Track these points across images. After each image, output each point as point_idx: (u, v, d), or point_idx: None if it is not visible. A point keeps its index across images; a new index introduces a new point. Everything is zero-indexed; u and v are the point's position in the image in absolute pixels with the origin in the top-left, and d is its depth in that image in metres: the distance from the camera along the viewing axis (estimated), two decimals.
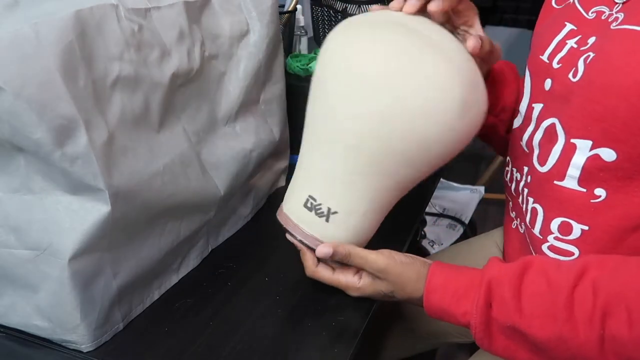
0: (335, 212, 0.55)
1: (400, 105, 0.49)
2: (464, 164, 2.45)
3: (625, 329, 0.44)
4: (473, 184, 1.82)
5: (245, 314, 0.57)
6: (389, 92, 0.49)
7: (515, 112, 0.69)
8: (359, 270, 0.57)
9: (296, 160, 0.60)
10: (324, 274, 0.57)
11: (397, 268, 0.54)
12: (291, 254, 0.67)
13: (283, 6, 0.87)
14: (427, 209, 1.54)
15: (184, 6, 0.56)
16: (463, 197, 1.67)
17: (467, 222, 1.55)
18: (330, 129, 0.53)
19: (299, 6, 0.89)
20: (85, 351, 0.51)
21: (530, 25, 2.84)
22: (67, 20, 0.44)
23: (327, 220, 0.55)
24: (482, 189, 1.71)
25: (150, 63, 0.52)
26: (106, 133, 0.47)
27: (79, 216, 0.47)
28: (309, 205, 0.56)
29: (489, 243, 0.84)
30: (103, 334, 0.52)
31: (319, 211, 0.55)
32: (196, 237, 0.64)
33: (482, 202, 1.67)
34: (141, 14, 0.52)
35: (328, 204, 0.55)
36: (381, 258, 0.54)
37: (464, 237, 1.50)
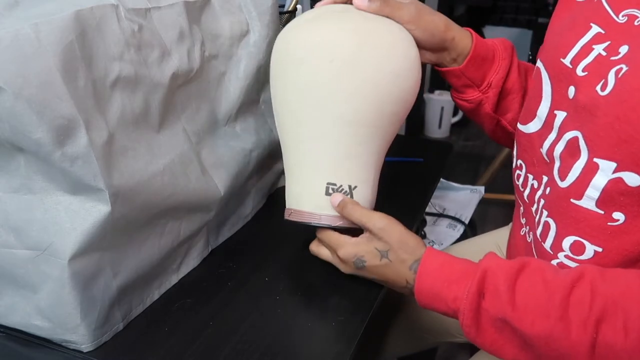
0: (355, 187, 0.59)
1: (385, 70, 0.57)
2: (464, 164, 2.45)
3: (620, 337, 0.43)
4: (473, 184, 1.82)
5: (245, 314, 0.57)
6: (372, 63, 0.56)
7: (507, 94, 0.68)
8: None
9: None
10: (323, 234, 0.60)
11: (397, 229, 0.57)
12: (291, 254, 0.67)
13: (283, 6, 0.87)
14: (427, 209, 1.54)
15: (184, 6, 0.56)
16: (463, 197, 1.67)
17: (467, 222, 1.55)
18: (326, 117, 0.57)
19: (299, 6, 0.89)
20: (85, 351, 0.51)
21: (530, 25, 2.85)
22: (67, 20, 0.44)
23: (351, 197, 0.59)
24: (482, 189, 1.71)
25: (150, 63, 0.52)
26: (106, 133, 0.47)
27: (79, 216, 0.47)
28: (330, 191, 0.59)
29: (490, 243, 0.84)
30: (103, 334, 0.52)
31: (342, 192, 0.59)
32: (196, 237, 0.64)
33: (482, 202, 1.67)
34: (141, 14, 0.52)
35: (348, 182, 0.59)
36: (384, 217, 0.57)
37: (464, 237, 1.50)
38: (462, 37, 0.65)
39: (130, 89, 0.50)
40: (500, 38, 0.70)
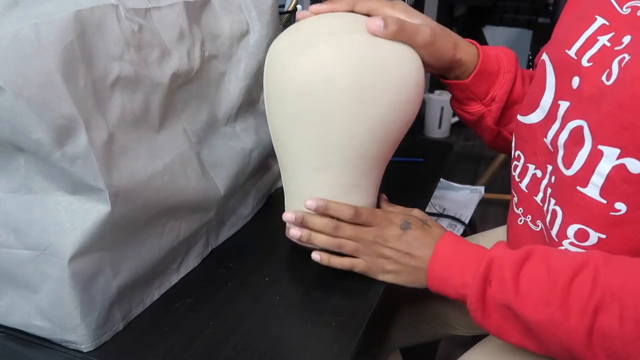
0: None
1: (392, 104, 0.56)
2: (464, 164, 2.45)
3: (615, 325, 0.45)
4: (473, 184, 1.82)
5: (245, 314, 0.57)
6: (379, 99, 0.55)
7: (511, 106, 0.68)
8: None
9: None
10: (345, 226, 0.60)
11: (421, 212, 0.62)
12: (291, 254, 0.67)
13: (283, 6, 0.87)
14: (427, 209, 1.53)
15: (184, 6, 0.56)
16: (463, 197, 1.67)
17: (467, 222, 1.55)
18: (329, 150, 0.56)
19: (299, 6, 0.89)
20: (85, 351, 0.51)
21: (530, 25, 2.84)
22: (67, 21, 0.44)
23: None
24: (482, 189, 1.71)
25: (150, 63, 0.52)
26: (106, 133, 0.47)
27: (79, 216, 0.47)
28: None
29: (491, 242, 0.84)
30: (103, 334, 0.52)
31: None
32: (196, 237, 0.64)
33: (482, 202, 1.67)
34: (141, 14, 0.52)
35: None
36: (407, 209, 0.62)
37: (463, 236, 1.50)
38: (468, 56, 0.64)
39: (130, 89, 0.50)
40: (502, 47, 0.69)
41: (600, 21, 0.54)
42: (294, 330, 0.55)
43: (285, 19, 0.86)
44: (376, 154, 0.58)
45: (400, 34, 0.57)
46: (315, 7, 0.59)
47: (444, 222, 1.56)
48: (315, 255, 0.60)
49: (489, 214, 1.95)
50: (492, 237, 0.85)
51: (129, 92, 0.50)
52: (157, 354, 0.52)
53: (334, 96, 0.54)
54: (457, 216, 1.57)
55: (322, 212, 0.59)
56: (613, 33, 0.52)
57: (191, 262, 0.64)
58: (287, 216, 0.61)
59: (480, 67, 0.64)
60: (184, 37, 0.56)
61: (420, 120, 2.68)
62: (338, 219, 0.59)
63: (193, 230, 0.62)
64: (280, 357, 0.52)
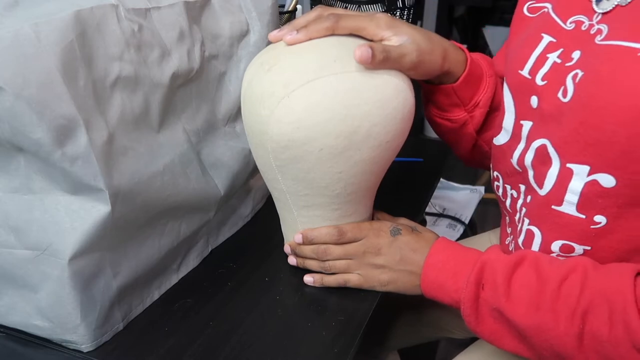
0: None
1: (382, 144, 0.54)
2: (464, 164, 2.45)
3: (604, 328, 0.44)
4: (473, 184, 1.82)
5: (245, 314, 0.57)
6: (368, 143, 0.52)
7: (492, 112, 0.65)
8: None
9: None
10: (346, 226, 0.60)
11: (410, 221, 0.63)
12: None
13: (283, 6, 0.87)
14: (427, 209, 1.54)
15: (184, 6, 0.56)
16: (463, 197, 1.67)
17: (467, 222, 1.55)
18: (318, 192, 0.56)
19: (299, 6, 0.89)
20: (85, 351, 0.51)
21: None
22: (67, 20, 0.44)
23: None
24: (482, 189, 1.71)
25: (150, 63, 0.52)
26: (106, 133, 0.47)
27: (79, 216, 0.47)
28: None
29: (488, 243, 0.84)
30: (103, 334, 0.52)
31: None
32: (196, 237, 0.64)
33: (482, 202, 1.68)
34: (141, 14, 0.52)
35: None
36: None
37: (464, 237, 1.50)
38: (456, 65, 0.60)
39: (130, 89, 0.50)
40: (479, 53, 0.66)
41: (547, 39, 0.54)
42: (294, 330, 0.55)
43: (285, 19, 0.86)
44: (365, 187, 0.58)
45: (386, 63, 0.52)
46: (290, 37, 0.53)
47: (444, 222, 1.56)
48: (308, 278, 0.61)
49: (489, 214, 1.95)
50: (493, 237, 0.85)
51: (129, 92, 0.50)
52: (157, 354, 0.52)
53: (315, 152, 0.52)
54: (457, 216, 1.57)
55: (309, 243, 0.61)
56: (562, 49, 0.52)
57: (191, 262, 0.64)
58: (285, 248, 0.65)
59: (469, 70, 0.61)
60: (184, 37, 0.56)
61: (420, 120, 2.67)
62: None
63: (193, 230, 0.62)
64: (280, 357, 0.52)
